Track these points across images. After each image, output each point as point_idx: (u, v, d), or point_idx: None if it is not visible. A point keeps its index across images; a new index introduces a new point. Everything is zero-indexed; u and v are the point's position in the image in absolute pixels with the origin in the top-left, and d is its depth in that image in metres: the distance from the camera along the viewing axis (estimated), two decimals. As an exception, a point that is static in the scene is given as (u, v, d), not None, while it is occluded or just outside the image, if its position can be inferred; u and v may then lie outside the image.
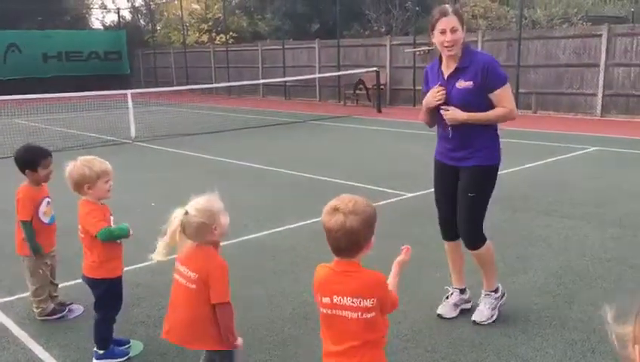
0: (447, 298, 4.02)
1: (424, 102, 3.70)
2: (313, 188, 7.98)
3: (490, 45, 17.71)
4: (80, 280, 4.55)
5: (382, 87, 19.38)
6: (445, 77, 3.59)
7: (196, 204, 2.70)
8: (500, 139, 3.78)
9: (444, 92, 3.55)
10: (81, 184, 3.35)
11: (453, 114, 3.55)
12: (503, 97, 3.52)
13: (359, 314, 2.16)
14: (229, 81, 25.18)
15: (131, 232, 3.49)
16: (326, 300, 2.20)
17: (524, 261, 4.95)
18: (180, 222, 2.66)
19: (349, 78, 20.84)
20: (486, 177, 3.69)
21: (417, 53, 19.65)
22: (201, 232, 2.68)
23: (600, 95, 15.62)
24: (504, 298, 3.90)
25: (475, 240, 3.74)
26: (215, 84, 24.93)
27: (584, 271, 4.73)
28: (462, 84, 3.50)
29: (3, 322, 4.06)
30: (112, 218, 3.48)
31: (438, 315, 3.94)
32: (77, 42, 31.69)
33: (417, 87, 19.73)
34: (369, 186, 7.81)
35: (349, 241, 2.13)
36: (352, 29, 25.82)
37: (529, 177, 8.19)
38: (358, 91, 20.55)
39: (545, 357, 3.42)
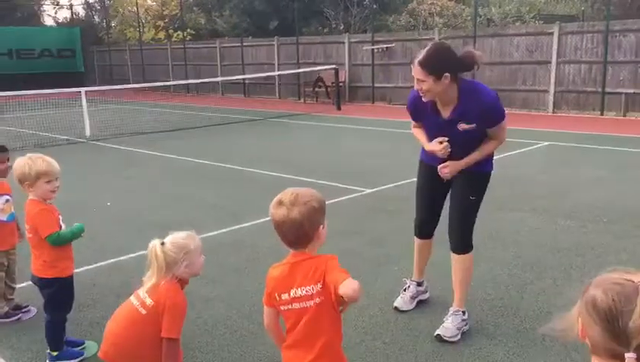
0: (405, 290, 4.07)
1: (429, 149, 3.59)
2: (273, 186, 7.96)
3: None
4: (30, 282, 4.50)
5: (341, 84, 19.48)
6: (445, 117, 3.45)
7: (175, 238, 2.63)
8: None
9: (448, 146, 3.47)
10: (22, 182, 3.28)
11: (453, 168, 3.54)
12: (499, 130, 3.48)
13: (315, 301, 2.16)
14: (186, 79, 24.88)
15: (83, 233, 3.42)
16: (285, 296, 2.20)
17: (478, 254, 5.04)
18: (158, 254, 2.57)
19: (309, 75, 20.88)
20: (485, 181, 3.67)
21: (376, 50, 19.82)
22: (170, 268, 2.60)
23: (552, 91, 16.07)
24: (467, 325, 3.70)
25: (466, 245, 3.68)
26: (173, 81, 24.60)
27: (535, 262, 4.88)
28: (464, 126, 3.40)
29: (-48, 326, 3.94)
30: (60, 218, 3.41)
31: (395, 308, 4.00)
32: (28, 39, 30.80)
33: (376, 85, 19.93)
34: (329, 183, 7.85)
35: (295, 233, 2.15)
36: (310, 27, 25.86)
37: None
38: (317, 89, 20.61)
39: (498, 345, 3.52)
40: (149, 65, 28.81)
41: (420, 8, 23.92)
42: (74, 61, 32.37)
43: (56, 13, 37.97)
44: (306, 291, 2.16)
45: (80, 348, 3.52)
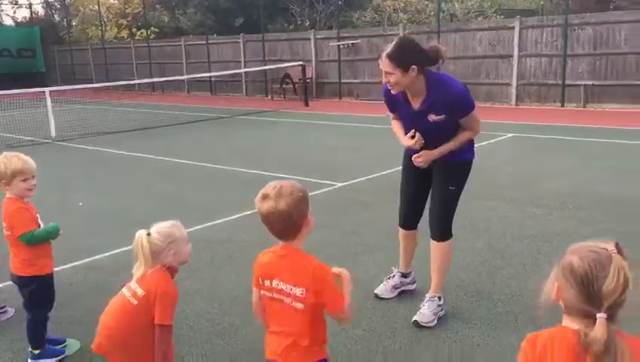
0: (389, 279, 4.15)
1: (404, 145, 3.71)
2: (245, 182, 8.02)
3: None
4: (8, 282, 4.46)
5: (308, 80, 19.55)
6: (415, 108, 3.56)
7: (160, 227, 2.67)
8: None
9: (420, 138, 3.58)
10: None
11: (426, 157, 3.63)
12: (471, 121, 3.57)
13: (291, 301, 2.20)
14: (151, 78, 24.60)
15: (61, 232, 3.42)
16: (267, 283, 2.26)
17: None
18: (144, 244, 2.60)
19: (276, 72, 20.88)
20: (464, 171, 3.76)
21: (342, 46, 19.94)
22: (156, 257, 2.63)
23: (514, 84, 16.44)
24: (443, 310, 3.82)
25: (445, 233, 3.78)
26: (137, 80, 24.29)
27: (505, 248, 5.05)
28: (434, 118, 3.50)
29: None
30: (38, 215, 3.40)
31: (375, 295, 4.09)
32: (-14, 39, 30.05)
33: (343, 81, 20.06)
34: (302, 178, 7.91)
35: (283, 224, 2.19)
36: (276, 24, 25.84)
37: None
38: (284, 85, 20.63)
39: (473, 328, 3.65)
40: (112, 65, 28.37)
41: (384, 4, 24.14)
42: (34, 61, 31.66)
43: (14, 12, 37.01)
44: (287, 288, 2.21)
45: (61, 346, 3.52)
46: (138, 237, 2.62)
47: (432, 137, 3.60)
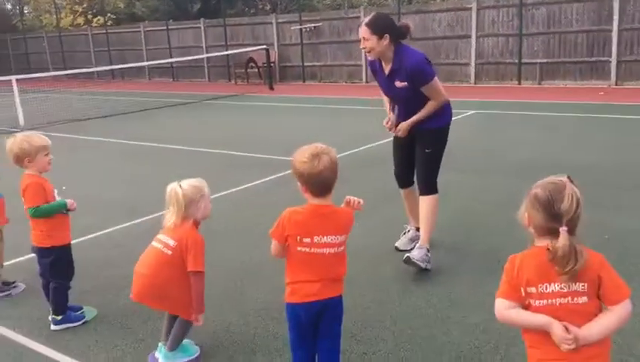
0: (405, 234, 4.65)
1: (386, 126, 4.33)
2: (223, 163, 8.27)
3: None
4: (18, 259, 4.68)
5: (272, 64, 19.71)
6: (386, 74, 4.13)
7: (190, 181, 3.01)
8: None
9: (391, 121, 4.28)
10: (22, 158, 3.52)
11: (403, 129, 4.21)
12: (431, 90, 4.06)
13: (335, 249, 2.55)
14: (111, 65, 24.30)
15: (70, 207, 3.65)
16: (307, 240, 2.53)
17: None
18: (178, 193, 2.92)
19: (238, 57, 20.95)
20: (438, 136, 4.27)
21: (304, 30, 20.15)
22: (189, 207, 2.96)
23: (473, 64, 17.00)
24: (430, 264, 4.17)
25: (430, 189, 4.30)
26: (96, 67, 23.97)
27: (477, 211, 5.50)
28: (399, 84, 4.08)
29: (-57, 305, 4.08)
30: (56, 191, 3.64)
31: (396, 247, 4.56)
32: None
33: (306, 64, 20.28)
34: (277, 157, 8.23)
35: (334, 176, 2.53)
36: (236, 8, 25.80)
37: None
38: (249, 70, 20.73)
39: (455, 281, 4.06)
40: (69, 53, 27.88)
41: None
42: (-14, 50, 30.78)
43: (-39, 0, 35.76)
44: (333, 239, 2.54)
45: (80, 312, 3.76)
46: (172, 189, 2.95)
47: (405, 104, 4.17)
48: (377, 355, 3.19)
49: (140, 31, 25.23)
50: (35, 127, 12.31)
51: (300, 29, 20.18)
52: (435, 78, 4.06)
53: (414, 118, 4.17)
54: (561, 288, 1.92)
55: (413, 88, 4.05)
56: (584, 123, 10.10)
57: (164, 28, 24.21)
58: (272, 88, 18.52)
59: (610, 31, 14.71)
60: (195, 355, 3.23)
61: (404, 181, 4.55)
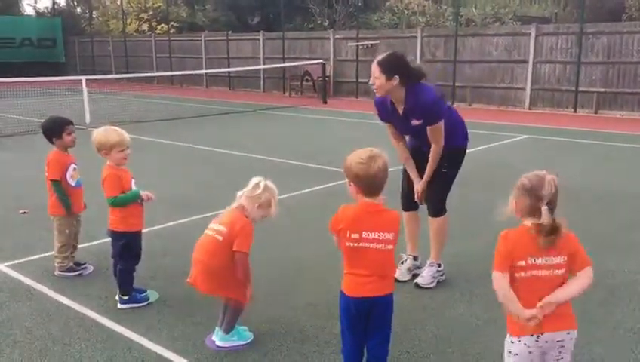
0: (402, 263, 4.59)
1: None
2: (276, 169, 8.58)
3: (428, 41, 18.76)
4: (90, 243, 5.06)
5: (326, 78, 20.09)
6: (400, 113, 4.15)
7: (271, 183, 3.32)
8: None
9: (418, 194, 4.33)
10: (100, 150, 3.88)
11: (421, 188, 4.30)
12: (435, 132, 4.13)
13: (383, 245, 2.74)
14: (171, 71, 25.19)
15: (145, 197, 3.97)
16: (355, 235, 2.74)
17: (469, 229, 5.74)
18: (261, 185, 3.25)
19: (294, 69, 21.43)
20: (455, 155, 4.32)
21: (360, 47, 20.47)
22: (261, 206, 3.27)
23: (528, 89, 16.93)
24: (443, 275, 4.41)
25: (438, 210, 4.35)
26: (158, 73, 24.89)
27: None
28: (415, 122, 4.11)
29: (20, 279, 4.46)
30: (133, 181, 3.98)
31: (395, 278, 4.59)
32: (8, 28, 30.71)
33: (360, 80, 20.56)
34: (326, 167, 8.48)
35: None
36: (294, 22, 26.40)
37: (471, 161, 9.07)
38: (304, 82, 21.16)
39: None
40: (132, 57, 28.99)
41: (401, 6, 24.63)
42: (55, 51, 32.33)
43: (36, 2, 37.76)
44: (379, 236, 2.73)
45: (144, 294, 4.07)
46: (259, 180, 3.28)
47: (421, 135, 4.21)
48: (419, 355, 3.36)
49: (200, 40, 26.08)
50: (99, 125, 12.98)
51: (357, 46, 20.50)
52: (442, 121, 4.10)
53: (427, 174, 4.25)
54: (545, 261, 2.34)
55: (426, 125, 4.13)
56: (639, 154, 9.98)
57: (224, 38, 24.96)
58: (325, 102, 18.86)
59: (673, 63, 14.46)
60: (249, 340, 3.48)
61: (410, 203, 4.48)
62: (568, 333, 2.39)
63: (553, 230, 2.30)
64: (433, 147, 4.18)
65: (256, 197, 3.26)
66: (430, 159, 4.21)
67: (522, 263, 2.34)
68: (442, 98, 4.16)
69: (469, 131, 4.46)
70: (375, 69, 3.98)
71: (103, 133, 3.89)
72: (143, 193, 3.98)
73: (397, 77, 3.94)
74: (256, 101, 19.61)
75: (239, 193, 3.33)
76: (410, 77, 4.03)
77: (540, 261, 2.34)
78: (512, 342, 2.43)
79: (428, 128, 4.10)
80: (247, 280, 3.29)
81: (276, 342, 3.49)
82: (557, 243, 2.33)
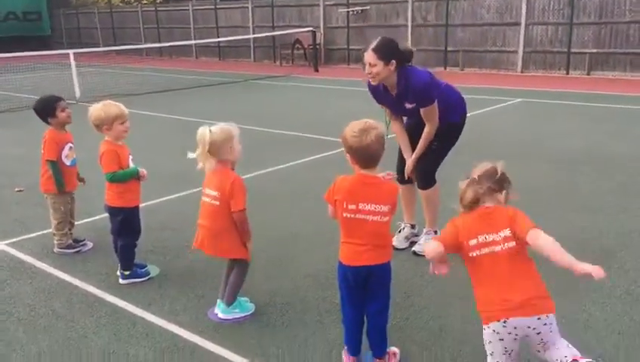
0: (399, 232, 4.65)
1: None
2: (270, 140, 8.56)
3: (419, 5, 18.55)
4: (87, 220, 5.07)
5: (317, 46, 19.89)
6: (394, 96, 4.16)
7: (218, 126, 3.30)
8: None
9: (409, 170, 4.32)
10: (100, 126, 3.85)
11: (410, 165, 4.30)
12: (428, 113, 4.14)
13: (379, 217, 2.76)
14: (159, 42, 24.87)
15: (142, 174, 3.99)
16: (352, 206, 2.77)
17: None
18: (206, 136, 3.22)
19: (284, 38, 21.20)
20: (450, 131, 4.33)
21: (351, 12, 20.23)
22: (221, 149, 3.27)
23: (520, 52, 16.84)
24: None
25: (427, 183, 4.38)
26: (147, 44, 24.56)
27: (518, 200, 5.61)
28: (409, 105, 4.13)
29: (20, 257, 4.48)
30: (130, 157, 3.97)
31: (393, 246, 4.64)
32: (-8, 2, 30.15)
33: (351, 47, 20.39)
34: (323, 137, 8.46)
35: (380, 150, 2.76)
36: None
37: (466, 125, 9.09)
38: (295, 51, 20.96)
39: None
40: (119, 29, 28.60)
41: None
42: (40, 24, 31.85)
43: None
44: (376, 208, 2.74)
45: (144, 269, 4.10)
46: (201, 132, 3.25)
47: (416, 116, 4.21)
48: (418, 321, 3.42)
49: (188, 9, 25.69)
50: (89, 99, 12.86)
51: (347, 12, 20.26)
52: (435, 103, 4.11)
53: (416, 153, 4.28)
54: (494, 238, 2.45)
55: (418, 106, 4.14)
56: (632, 115, 10.01)
57: (213, 7, 24.60)
58: (316, 70, 18.72)
59: (665, 22, 14.39)
60: (250, 311, 3.53)
61: (405, 178, 4.46)
62: (539, 319, 2.36)
63: (472, 202, 2.51)
64: (427, 127, 4.20)
65: (220, 142, 3.25)
66: (422, 138, 4.24)
67: (474, 241, 2.47)
68: (434, 79, 4.15)
69: (464, 96, 4.47)
70: (371, 56, 3.95)
71: (101, 108, 3.85)
72: (141, 170, 3.98)
73: (394, 61, 3.96)
74: (247, 71, 19.44)
75: (192, 155, 3.34)
76: (402, 60, 4.05)
77: (492, 237, 2.45)
78: (485, 330, 2.47)
79: (421, 110, 4.12)
80: (248, 234, 3.37)
81: (278, 313, 3.54)
82: (494, 218, 2.48)
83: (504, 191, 2.56)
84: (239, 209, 3.28)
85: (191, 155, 3.32)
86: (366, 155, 2.76)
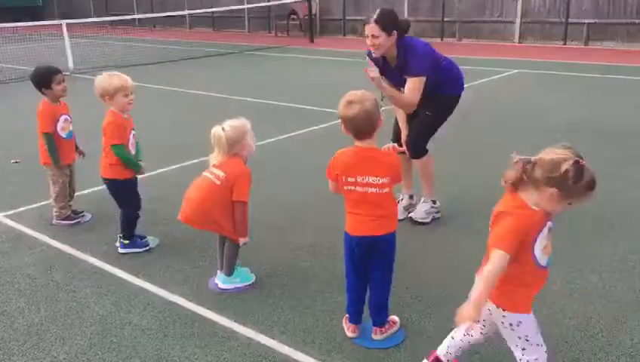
0: (398, 202, 4.62)
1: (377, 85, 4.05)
2: (266, 112, 8.51)
3: (416, -26, 18.31)
4: (85, 191, 5.05)
5: (313, 17, 19.65)
6: (393, 68, 4.14)
7: (231, 122, 3.29)
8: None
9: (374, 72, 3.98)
10: (103, 96, 3.81)
11: (404, 139, 4.31)
12: (411, 84, 4.06)
13: (378, 189, 2.75)
14: (152, 13, 24.46)
15: (142, 172, 4.00)
16: (351, 179, 2.76)
17: (464, 166, 5.79)
18: (221, 136, 3.22)
19: (279, 8, 20.91)
20: (445, 103, 4.32)
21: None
22: (234, 146, 3.27)
23: (518, 22, 16.69)
24: (438, 213, 4.49)
25: (417, 152, 4.37)
26: (139, 15, 24.16)
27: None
28: (408, 77, 4.07)
29: (20, 228, 4.48)
30: (133, 132, 3.94)
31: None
32: (-20, -29, 29.51)
33: (347, 17, 20.15)
34: (318, 108, 8.42)
35: (368, 122, 2.71)
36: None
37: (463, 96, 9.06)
38: (291, 21, 20.70)
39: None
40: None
41: None
42: (31, -6, 31.21)
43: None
44: (375, 180, 2.73)
45: (144, 240, 4.10)
46: (215, 131, 3.26)
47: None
48: (419, 289, 3.45)
49: (181, -22, 25.20)
50: (83, 71, 12.72)
51: (343, -19, 19.96)
52: (421, 77, 4.04)
53: (404, 129, 4.34)
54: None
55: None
56: (630, 85, 9.98)
57: (206, -24, 24.14)
58: (312, 41, 18.53)
59: (664, -8, 14.25)
60: (251, 281, 3.55)
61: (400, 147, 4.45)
62: (498, 308, 2.28)
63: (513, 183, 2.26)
64: (404, 94, 4.09)
65: (234, 139, 3.26)
66: (398, 93, 4.11)
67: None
68: (434, 53, 4.13)
69: (461, 67, 4.45)
70: (373, 28, 3.93)
71: (105, 79, 3.80)
72: (142, 169, 4.01)
73: (395, 32, 3.96)
74: (242, 42, 19.22)
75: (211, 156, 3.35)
76: (403, 30, 4.05)
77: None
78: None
79: (407, 78, 4.06)
80: (244, 228, 3.35)
81: (278, 283, 3.56)
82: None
83: (553, 190, 2.10)
84: (242, 200, 3.28)
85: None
86: (354, 127, 2.74)
